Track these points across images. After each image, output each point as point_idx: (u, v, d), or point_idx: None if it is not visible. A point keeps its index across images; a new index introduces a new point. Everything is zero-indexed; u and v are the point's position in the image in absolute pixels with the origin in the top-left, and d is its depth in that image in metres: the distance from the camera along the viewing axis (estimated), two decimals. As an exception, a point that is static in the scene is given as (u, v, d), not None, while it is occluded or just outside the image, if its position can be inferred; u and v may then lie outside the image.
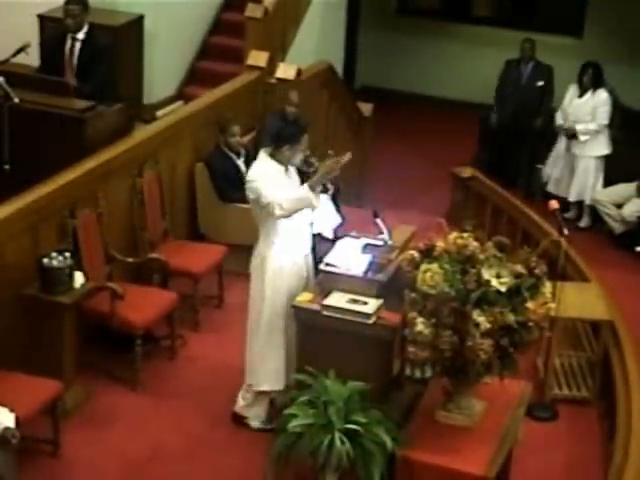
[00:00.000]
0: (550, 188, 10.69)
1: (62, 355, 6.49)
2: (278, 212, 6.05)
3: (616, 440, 6.25)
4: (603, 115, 10.29)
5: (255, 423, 6.57)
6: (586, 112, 10.30)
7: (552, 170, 10.81)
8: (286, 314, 6.23)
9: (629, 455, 5.86)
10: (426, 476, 5.39)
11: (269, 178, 6.12)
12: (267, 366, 6.34)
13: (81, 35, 8.28)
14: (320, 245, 6.88)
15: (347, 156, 6.16)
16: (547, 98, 11.12)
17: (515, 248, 5.60)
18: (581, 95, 10.36)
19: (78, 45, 8.29)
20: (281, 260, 6.23)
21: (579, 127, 10.29)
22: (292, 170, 6.34)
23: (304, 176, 6.42)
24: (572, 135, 10.35)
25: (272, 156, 6.21)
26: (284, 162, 6.22)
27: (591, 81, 10.28)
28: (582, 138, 10.33)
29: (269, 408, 6.53)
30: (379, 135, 11.00)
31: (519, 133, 11.17)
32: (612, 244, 10.09)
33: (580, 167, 10.47)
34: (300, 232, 6.29)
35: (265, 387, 6.41)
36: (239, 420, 6.61)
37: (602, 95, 10.32)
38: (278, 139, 6.20)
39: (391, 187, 11.15)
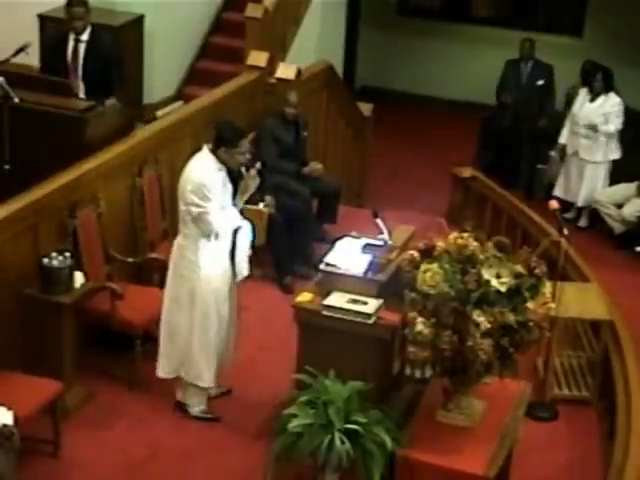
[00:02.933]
0: (557, 193, 10.61)
1: (62, 355, 6.49)
2: (211, 236, 6.31)
3: (616, 440, 6.25)
4: (617, 120, 10.23)
5: (195, 410, 6.69)
6: (598, 117, 10.24)
7: (554, 177, 10.79)
8: (218, 314, 6.46)
9: (629, 455, 5.86)
10: (426, 476, 5.39)
11: (209, 186, 6.25)
12: (210, 364, 6.51)
13: (85, 36, 8.25)
14: None
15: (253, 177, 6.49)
16: (549, 97, 11.11)
17: (515, 248, 5.60)
18: (592, 99, 10.30)
19: (82, 46, 8.26)
20: (211, 262, 6.37)
21: (603, 127, 10.22)
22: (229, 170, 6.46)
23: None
24: (593, 129, 10.25)
25: (212, 152, 6.36)
26: (223, 161, 6.34)
27: (603, 85, 10.23)
28: (601, 138, 10.25)
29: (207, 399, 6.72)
30: (379, 135, 10.99)
31: (520, 133, 11.15)
32: (612, 244, 10.09)
33: (588, 172, 10.41)
34: (228, 230, 6.42)
35: (207, 384, 6.58)
36: (181, 407, 6.72)
37: (614, 99, 10.26)
38: (216, 140, 6.36)
39: (391, 187, 11.15)
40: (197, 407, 6.69)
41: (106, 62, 8.20)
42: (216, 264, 6.39)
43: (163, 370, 6.64)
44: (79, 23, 8.20)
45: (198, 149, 8.33)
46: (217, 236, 6.33)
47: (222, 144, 6.32)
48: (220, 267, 6.41)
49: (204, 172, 6.30)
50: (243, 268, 6.50)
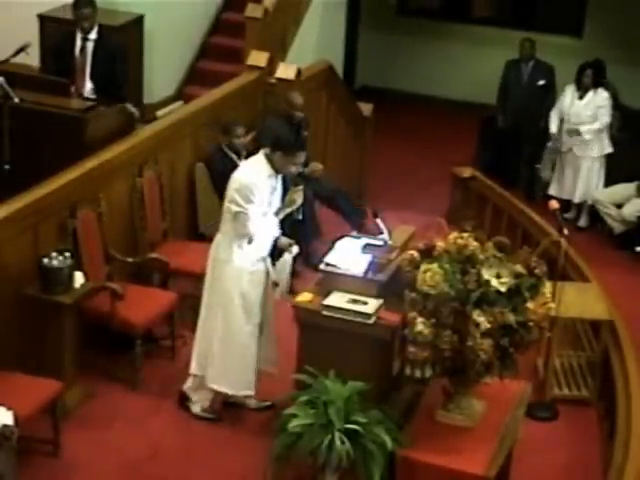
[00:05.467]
0: (552, 191, 10.62)
1: (62, 355, 6.49)
2: (245, 239, 6.29)
3: (616, 440, 6.25)
4: (604, 114, 10.26)
5: (196, 408, 6.68)
6: (588, 113, 10.26)
7: (549, 173, 10.78)
8: (247, 318, 6.41)
9: (629, 455, 5.86)
10: (426, 476, 5.39)
11: (255, 189, 6.22)
12: (226, 367, 6.48)
13: (93, 35, 8.24)
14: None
15: (299, 193, 6.46)
16: (550, 97, 11.10)
17: (515, 248, 5.60)
18: (582, 97, 10.32)
19: (91, 45, 8.24)
20: (240, 264, 6.36)
21: (583, 129, 10.24)
22: (280, 178, 6.45)
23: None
24: (576, 133, 10.27)
25: (267, 157, 6.33)
26: (276, 167, 6.32)
27: (591, 81, 10.25)
28: (587, 137, 10.26)
29: (215, 400, 6.67)
30: (379, 135, 10.99)
31: (521, 133, 11.15)
32: (612, 244, 10.08)
33: (584, 168, 10.43)
34: (263, 237, 6.39)
35: (220, 388, 6.56)
36: (183, 400, 6.71)
37: (602, 94, 10.29)
38: (275, 143, 6.32)
39: (391, 187, 11.15)
40: (199, 404, 6.67)
41: (114, 60, 8.20)
42: (248, 265, 6.36)
43: (196, 368, 6.63)
44: (87, 23, 8.20)
45: (198, 149, 8.39)
46: (250, 241, 6.31)
47: (280, 149, 6.27)
48: (251, 268, 6.38)
49: (253, 175, 6.28)
50: (282, 287, 6.53)
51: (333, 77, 10.36)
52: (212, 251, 6.50)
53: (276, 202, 6.44)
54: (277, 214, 6.45)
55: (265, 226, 6.36)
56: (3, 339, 6.34)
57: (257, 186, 6.24)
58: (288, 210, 6.52)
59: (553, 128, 10.52)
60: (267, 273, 6.51)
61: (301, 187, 6.52)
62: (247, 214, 6.23)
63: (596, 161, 10.42)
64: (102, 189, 7.18)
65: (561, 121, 10.45)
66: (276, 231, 6.46)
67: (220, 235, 6.46)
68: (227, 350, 6.46)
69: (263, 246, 6.41)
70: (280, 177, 6.43)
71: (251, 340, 6.48)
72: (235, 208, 6.26)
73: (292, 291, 8.07)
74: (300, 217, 6.89)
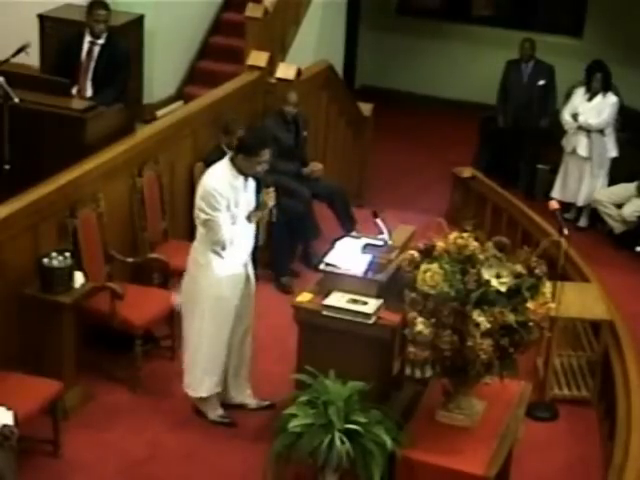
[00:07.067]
0: (555, 194, 10.58)
1: (62, 355, 6.49)
2: (218, 246, 6.24)
3: (616, 440, 6.25)
4: (607, 117, 10.22)
5: (212, 416, 6.65)
6: (594, 115, 10.24)
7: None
8: (226, 323, 6.37)
9: (629, 455, 5.86)
10: (426, 476, 5.39)
11: (217, 195, 6.15)
12: (194, 373, 6.49)
13: (101, 40, 8.23)
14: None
15: (271, 195, 6.35)
16: (550, 97, 11.11)
17: (515, 248, 5.60)
18: (590, 99, 10.30)
19: (97, 49, 8.24)
20: (219, 270, 6.30)
21: (592, 121, 10.21)
22: (251, 180, 6.37)
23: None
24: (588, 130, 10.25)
25: (231, 161, 6.27)
26: (241, 170, 6.25)
27: (601, 85, 10.23)
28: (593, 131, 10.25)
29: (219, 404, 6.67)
30: (379, 135, 10.99)
31: (521, 133, 11.15)
32: (612, 244, 10.08)
33: (587, 171, 10.41)
34: (240, 241, 6.34)
35: (207, 393, 6.55)
36: (200, 412, 6.68)
37: (611, 99, 10.26)
38: (237, 146, 6.29)
39: (391, 187, 11.16)
40: (213, 413, 6.64)
41: (116, 66, 8.20)
42: (226, 271, 6.31)
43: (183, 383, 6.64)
44: (100, 26, 8.19)
45: (198, 149, 8.39)
46: (224, 247, 6.25)
47: (242, 151, 6.22)
48: (230, 274, 6.33)
49: (216, 181, 6.21)
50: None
51: (333, 77, 10.37)
52: (190, 254, 6.45)
53: (245, 203, 6.34)
54: (249, 218, 6.37)
55: (239, 230, 6.30)
56: (3, 339, 6.34)
57: (219, 192, 6.15)
58: (259, 214, 6.45)
59: (570, 123, 10.38)
60: (247, 279, 6.47)
61: (272, 189, 6.43)
62: (215, 221, 6.17)
63: (601, 166, 10.39)
64: (102, 189, 7.18)
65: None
66: (252, 232, 6.41)
67: (196, 240, 6.40)
68: (198, 356, 6.43)
69: (242, 250, 6.36)
70: (251, 179, 6.35)
71: (222, 349, 6.43)
72: (203, 216, 6.21)
73: (289, 291, 8.12)
74: (274, 219, 6.78)
